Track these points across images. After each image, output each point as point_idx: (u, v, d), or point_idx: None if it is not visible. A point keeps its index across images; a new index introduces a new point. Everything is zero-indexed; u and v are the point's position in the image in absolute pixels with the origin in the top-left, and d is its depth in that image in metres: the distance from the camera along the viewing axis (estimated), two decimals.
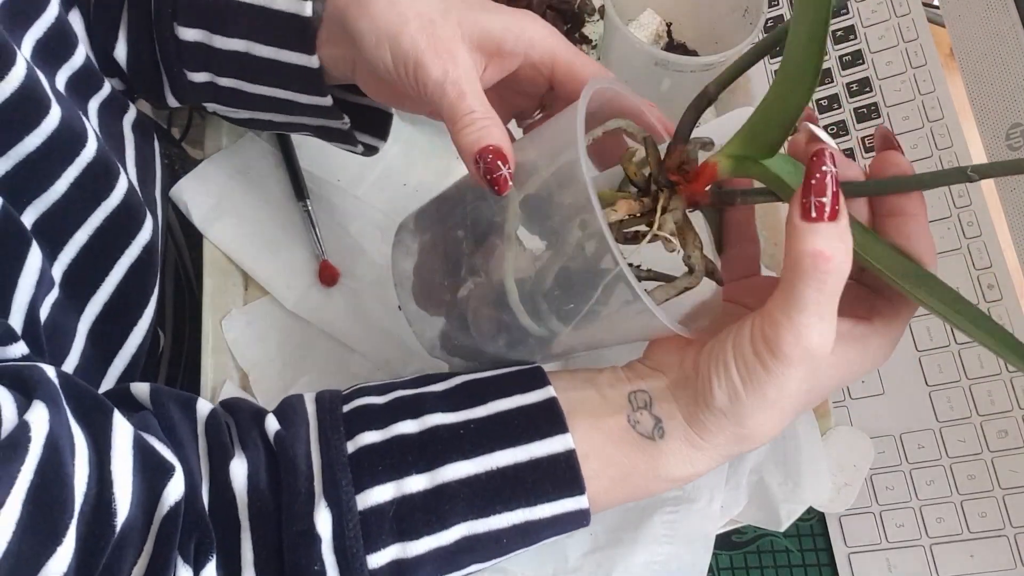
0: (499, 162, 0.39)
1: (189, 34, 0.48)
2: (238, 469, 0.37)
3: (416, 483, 0.37)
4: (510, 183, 0.39)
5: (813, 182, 0.32)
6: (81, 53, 0.47)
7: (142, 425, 0.37)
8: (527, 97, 0.47)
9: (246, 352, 0.56)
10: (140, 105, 0.57)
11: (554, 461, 0.37)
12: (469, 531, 0.37)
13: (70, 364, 0.45)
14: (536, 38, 0.43)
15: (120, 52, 0.51)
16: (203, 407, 0.40)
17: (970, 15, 0.58)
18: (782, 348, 0.34)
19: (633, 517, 0.52)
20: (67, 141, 0.43)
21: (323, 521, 0.36)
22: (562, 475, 0.37)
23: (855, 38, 0.64)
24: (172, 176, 0.75)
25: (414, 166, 0.63)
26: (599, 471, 0.38)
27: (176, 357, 0.64)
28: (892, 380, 0.56)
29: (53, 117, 0.41)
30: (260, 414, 0.40)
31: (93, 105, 0.49)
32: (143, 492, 0.35)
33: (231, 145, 0.62)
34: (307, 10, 0.45)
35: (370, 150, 0.54)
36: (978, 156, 0.58)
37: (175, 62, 0.49)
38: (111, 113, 0.50)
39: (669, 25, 0.66)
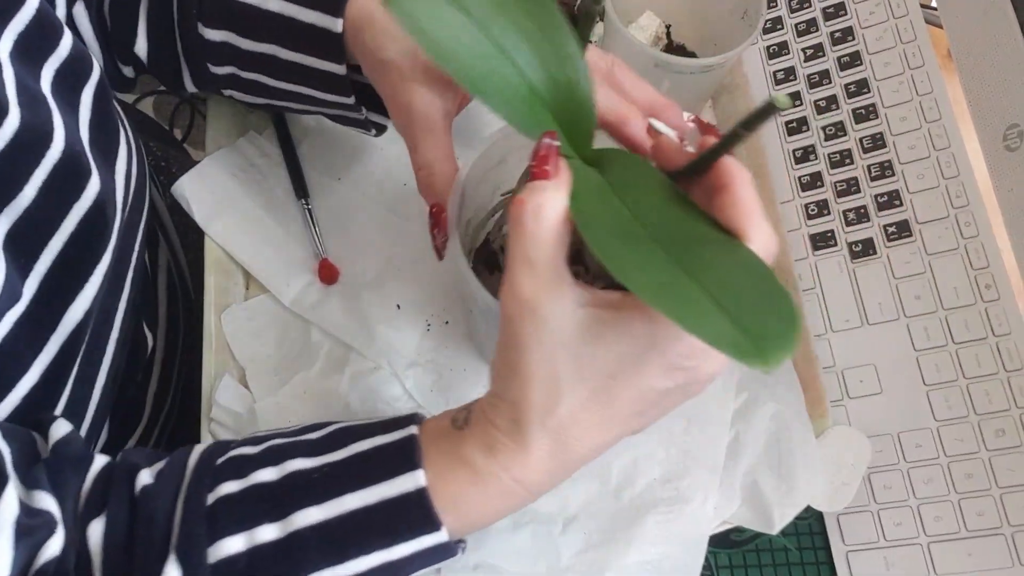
0: (435, 231, 0.43)
1: (215, 35, 0.49)
2: (96, 528, 0.37)
3: (268, 532, 0.36)
4: (443, 254, 0.44)
5: (533, 153, 0.34)
6: (67, 43, 0.46)
7: (34, 482, 0.37)
8: None
9: (244, 347, 0.56)
10: (142, 105, 0.57)
11: (405, 501, 0.36)
12: None
13: (28, 381, 0.42)
14: None
15: (140, 47, 0.52)
16: (97, 464, 0.40)
17: (968, 17, 0.58)
18: (502, 299, 0.34)
19: (626, 517, 0.52)
20: (30, 144, 0.41)
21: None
22: (415, 514, 0.36)
23: (853, 39, 0.64)
24: (170, 178, 0.76)
25: None
26: (431, 465, 0.37)
27: (170, 357, 0.64)
28: (890, 379, 0.56)
29: (12, 121, 0.40)
30: (134, 469, 0.39)
31: (87, 96, 0.48)
32: (21, 561, 0.35)
33: (232, 143, 0.62)
34: (338, 27, 0.46)
35: (381, 130, 0.56)
36: (975, 157, 0.58)
37: (199, 58, 0.50)
38: (105, 100, 0.49)
39: (668, 27, 0.66)
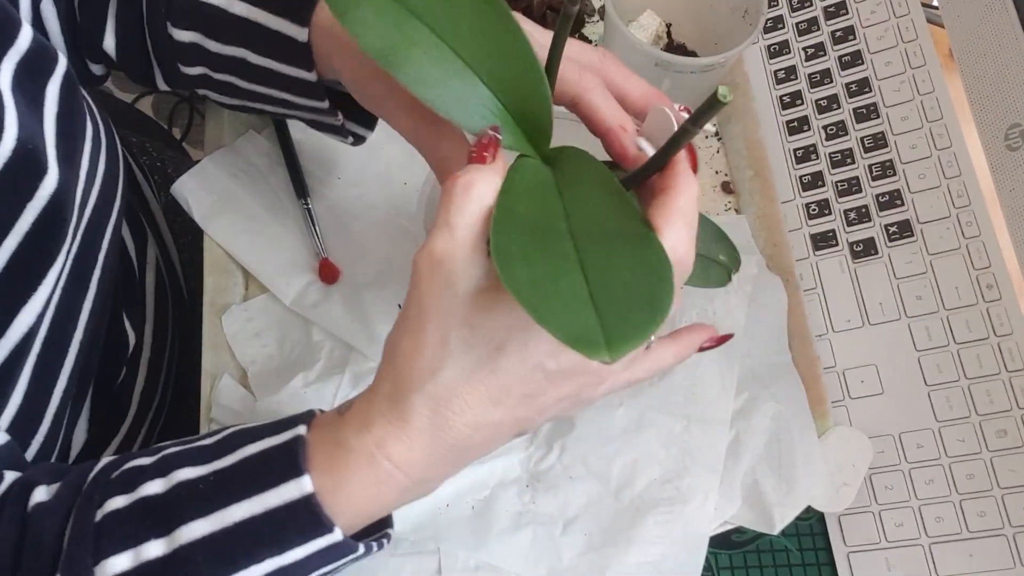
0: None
1: (183, 35, 0.48)
2: None
3: (154, 549, 0.35)
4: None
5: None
6: (26, 36, 0.44)
7: None
8: None
9: (245, 348, 0.56)
10: (141, 105, 0.57)
11: (291, 509, 0.35)
12: None
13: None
14: None
15: (109, 44, 0.51)
16: (4, 484, 0.39)
17: (969, 15, 0.58)
18: (415, 258, 0.34)
19: (627, 517, 0.52)
20: None
21: None
22: (303, 520, 0.35)
23: (854, 38, 0.64)
24: (165, 178, 0.75)
25: (415, 165, 0.63)
26: (318, 459, 0.36)
27: (158, 355, 0.63)
28: (891, 380, 0.56)
29: None
30: (31, 486, 0.38)
31: (52, 90, 0.45)
32: None
33: (231, 142, 0.62)
34: (303, 36, 0.45)
35: (358, 139, 0.55)
36: (977, 156, 0.58)
37: (169, 57, 0.49)
38: (72, 94, 0.47)
39: (669, 26, 0.66)
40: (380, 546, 0.39)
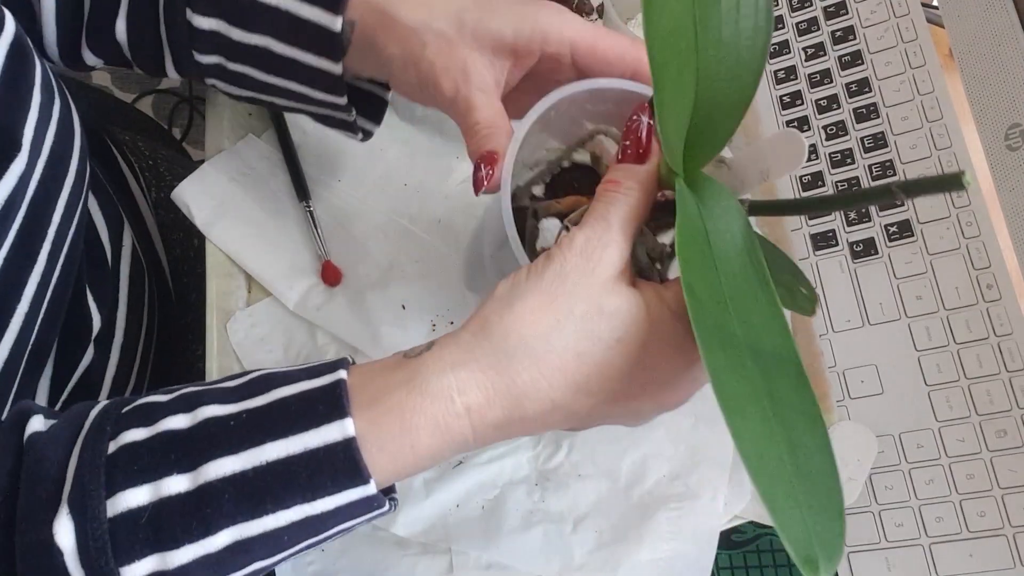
0: (482, 165, 0.41)
1: (204, 23, 0.47)
2: None
3: (176, 484, 0.33)
4: (484, 184, 0.41)
5: (626, 130, 0.38)
6: None
7: None
8: (559, 84, 0.46)
9: (251, 355, 0.56)
10: (141, 105, 0.57)
11: (331, 451, 0.33)
12: (240, 534, 0.33)
13: None
14: (549, 31, 0.43)
15: (120, 30, 0.50)
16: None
17: (969, 15, 0.59)
18: (562, 241, 0.36)
19: (638, 514, 0.53)
20: None
21: (64, 530, 0.32)
22: (341, 465, 0.33)
23: (854, 38, 0.64)
24: (157, 177, 0.75)
25: (415, 167, 0.63)
26: (363, 405, 0.35)
27: (131, 342, 0.61)
28: (891, 379, 0.56)
29: None
30: (26, 415, 0.36)
31: None
32: None
33: (232, 146, 0.62)
34: (337, 25, 0.45)
35: (366, 135, 0.54)
36: (977, 156, 0.58)
37: (184, 45, 0.49)
38: (20, 62, 0.44)
39: None
40: (394, 506, 0.38)
